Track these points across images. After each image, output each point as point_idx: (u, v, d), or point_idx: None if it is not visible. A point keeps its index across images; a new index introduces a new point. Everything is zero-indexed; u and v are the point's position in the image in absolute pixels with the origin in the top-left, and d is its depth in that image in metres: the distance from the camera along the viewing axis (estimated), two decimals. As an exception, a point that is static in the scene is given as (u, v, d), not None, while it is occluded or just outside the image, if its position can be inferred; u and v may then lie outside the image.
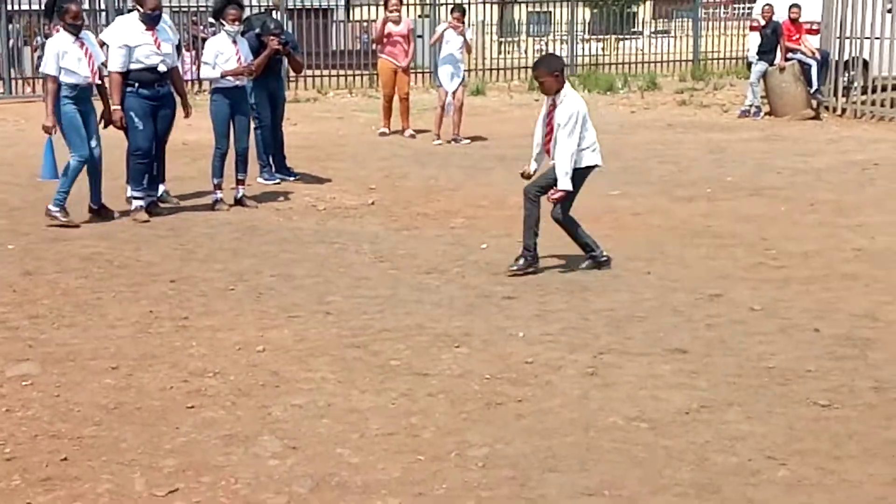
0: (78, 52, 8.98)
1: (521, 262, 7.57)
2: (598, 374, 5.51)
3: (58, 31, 9.32)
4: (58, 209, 9.10)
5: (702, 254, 8.20)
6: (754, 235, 8.76)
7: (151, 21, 9.43)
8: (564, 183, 7.44)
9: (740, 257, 8.07)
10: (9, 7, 22.04)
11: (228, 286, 7.28)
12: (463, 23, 14.90)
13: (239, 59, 9.92)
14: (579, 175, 7.56)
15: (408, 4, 23.94)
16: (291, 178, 11.57)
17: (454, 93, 14.73)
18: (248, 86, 10.75)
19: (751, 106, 17.35)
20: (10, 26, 22.24)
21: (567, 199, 7.58)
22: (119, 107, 9.28)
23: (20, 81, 21.99)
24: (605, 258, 7.74)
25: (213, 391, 5.28)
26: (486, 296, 7.05)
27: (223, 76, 9.89)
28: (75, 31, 9.06)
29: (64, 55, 8.93)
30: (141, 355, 5.80)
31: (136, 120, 9.35)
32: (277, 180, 11.41)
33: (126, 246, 8.45)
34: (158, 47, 9.42)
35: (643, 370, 5.56)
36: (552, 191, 7.52)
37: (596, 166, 7.71)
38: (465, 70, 15.39)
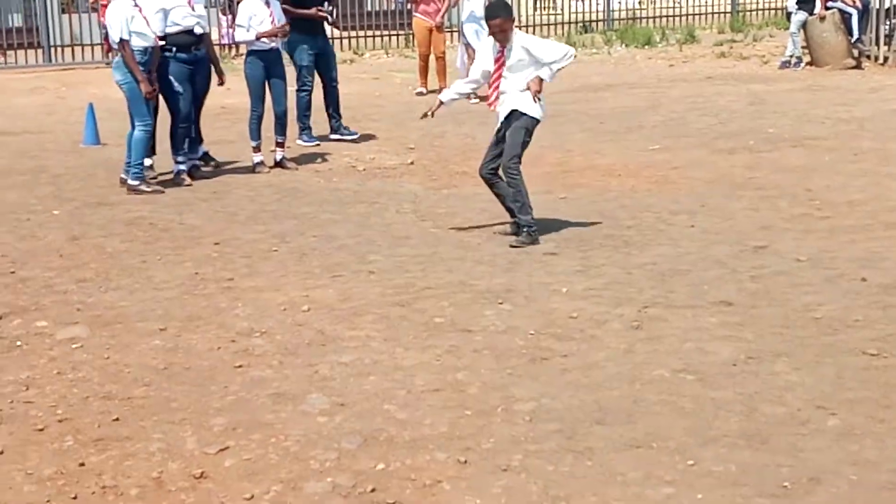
0: (140, 16, 8.97)
1: (524, 234, 7.27)
2: (643, 327, 5.50)
3: None
4: (138, 181, 9.10)
5: (745, 205, 8.13)
6: (798, 186, 8.67)
7: None
8: (545, 73, 7.26)
9: (784, 208, 8.01)
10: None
11: (271, 248, 7.32)
12: None
13: (273, 20, 9.89)
14: (533, 125, 7.33)
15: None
16: (351, 137, 11.53)
17: None
18: (286, 47, 10.76)
19: (791, 56, 17.11)
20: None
21: (525, 144, 7.33)
22: (149, 81, 9.18)
23: (60, 49, 22.11)
24: (536, 232, 7.27)
25: (260, 351, 5.32)
26: (527, 252, 7.05)
27: (258, 38, 9.88)
28: None
29: (132, 19, 8.91)
30: (188, 316, 5.86)
31: (175, 85, 9.37)
32: (317, 142, 11.38)
33: (169, 210, 8.51)
34: (192, 9, 9.44)
35: (688, 323, 5.55)
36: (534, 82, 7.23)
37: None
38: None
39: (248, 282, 6.52)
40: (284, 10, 10.42)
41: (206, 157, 10.10)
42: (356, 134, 11.69)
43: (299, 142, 11.28)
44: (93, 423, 4.51)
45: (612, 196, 8.63)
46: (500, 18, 7.29)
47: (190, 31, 9.41)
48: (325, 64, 11.62)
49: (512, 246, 7.19)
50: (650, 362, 5.03)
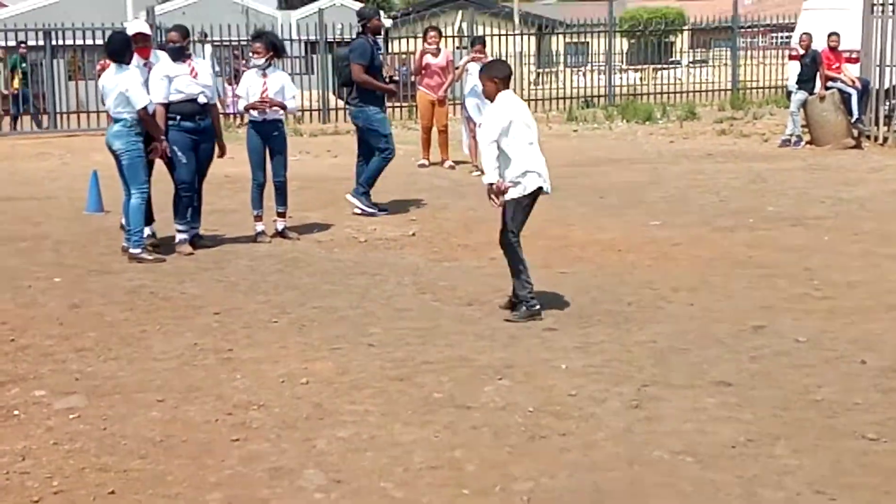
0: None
1: (523, 309, 7.26)
2: (643, 406, 5.49)
3: (106, 66, 9.46)
4: (140, 250, 9.16)
5: (745, 284, 8.15)
6: (797, 266, 8.70)
7: (174, 54, 9.53)
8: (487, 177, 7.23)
9: (784, 288, 8.02)
10: (54, 42, 22.42)
11: (272, 318, 7.33)
12: (484, 53, 14.98)
13: (264, 91, 9.96)
14: (526, 200, 7.33)
15: (446, 36, 24.10)
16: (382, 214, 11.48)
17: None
18: (377, 115, 11.20)
19: (791, 135, 17.26)
20: (55, 61, 22.62)
21: (514, 220, 7.32)
22: (164, 139, 9.34)
23: (66, 115, 22.30)
24: (537, 308, 7.25)
25: (257, 424, 5.31)
26: (527, 327, 7.05)
27: (246, 109, 10.00)
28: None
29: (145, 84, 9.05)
30: (186, 387, 5.85)
31: (178, 153, 9.44)
32: (376, 211, 11.39)
33: (170, 278, 8.53)
34: (195, 77, 9.53)
35: (688, 403, 5.53)
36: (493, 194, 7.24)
37: (540, 190, 7.37)
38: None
39: (248, 353, 6.51)
40: (364, 82, 11.04)
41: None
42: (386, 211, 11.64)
43: (352, 199, 11.35)
44: (88, 496, 4.48)
45: (612, 271, 8.65)
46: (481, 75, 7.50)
47: (194, 100, 9.50)
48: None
49: (506, 320, 7.20)
50: (649, 443, 5.01)
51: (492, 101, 7.37)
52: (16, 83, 23.09)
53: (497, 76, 7.35)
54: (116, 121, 9.13)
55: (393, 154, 11.49)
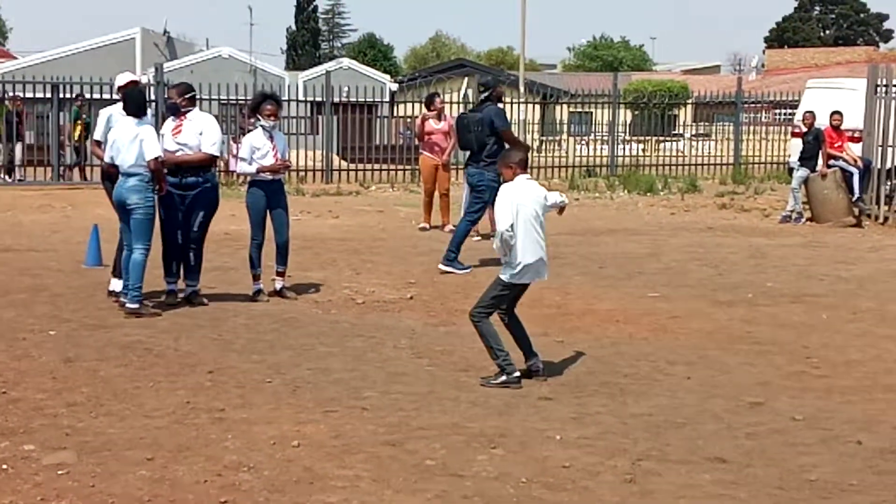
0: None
1: (502, 377, 7.23)
2: (637, 481, 5.43)
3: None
4: (137, 304, 9.16)
5: (742, 360, 8.12)
6: (795, 343, 8.67)
7: (172, 110, 9.63)
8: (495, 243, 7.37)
9: (781, 365, 7.99)
10: (61, 95, 22.59)
11: (265, 378, 7.29)
12: None
13: (275, 153, 10.02)
14: (512, 289, 7.40)
15: (451, 102, 24.30)
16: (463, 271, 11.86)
17: None
18: (492, 183, 11.37)
19: (792, 211, 17.32)
20: (61, 114, 22.77)
21: (491, 299, 7.38)
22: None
23: (69, 168, 22.41)
24: (515, 376, 7.21)
25: (246, 486, 5.25)
26: (522, 395, 7.01)
27: (258, 171, 10.00)
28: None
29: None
30: (177, 447, 5.79)
31: (159, 208, 9.46)
32: (468, 271, 11.81)
33: (165, 335, 8.50)
34: (176, 135, 9.58)
35: (682, 479, 5.48)
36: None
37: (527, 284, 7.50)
38: None
39: (240, 413, 6.47)
40: (513, 141, 11.93)
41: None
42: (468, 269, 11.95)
43: (446, 268, 11.71)
44: (72, 554, 4.41)
45: (609, 342, 8.62)
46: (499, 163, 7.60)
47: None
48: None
49: (482, 385, 7.20)
50: (642, 518, 4.95)
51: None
52: (76, 134, 23.20)
53: (512, 162, 7.48)
54: (132, 175, 9.14)
55: (479, 217, 12.38)
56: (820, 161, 17.03)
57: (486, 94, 12.45)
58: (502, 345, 7.32)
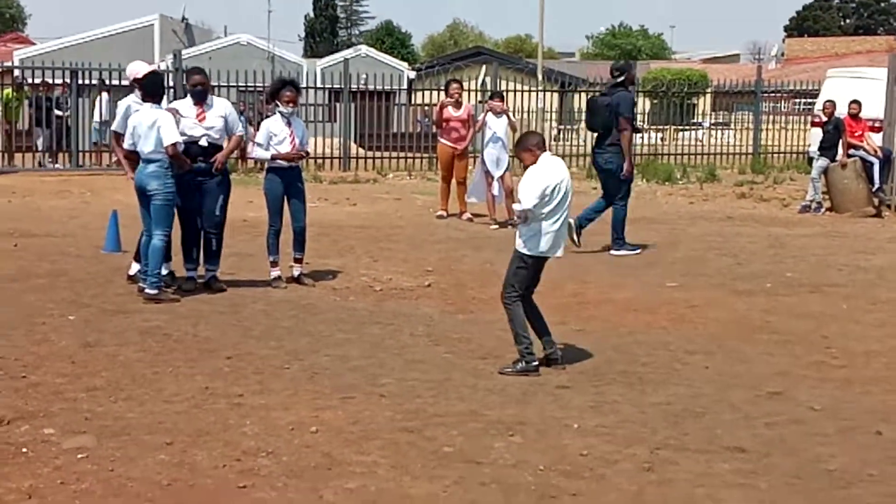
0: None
1: (520, 365, 7.25)
2: (655, 470, 5.42)
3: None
4: (156, 290, 9.19)
5: (761, 350, 8.09)
6: (814, 333, 8.63)
7: (196, 96, 9.63)
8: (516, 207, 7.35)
9: (800, 355, 7.96)
10: (80, 81, 22.65)
11: (284, 364, 7.30)
12: (502, 105, 15.12)
13: (293, 139, 10.02)
14: (530, 261, 7.39)
15: (469, 90, 24.25)
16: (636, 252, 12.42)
17: (501, 177, 14.78)
18: (609, 164, 12.18)
19: (811, 201, 17.24)
20: (80, 100, 22.82)
21: (515, 276, 7.39)
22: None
23: (88, 154, 22.48)
24: (534, 365, 7.24)
25: (265, 471, 5.26)
26: (540, 384, 7.00)
27: (274, 158, 10.00)
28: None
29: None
30: (195, 431, 5.81)
31: (177, 195, 9.48)
32: (639, 251, 12.45)
33: (184, 321, 8.53)
34: (201, 121, 9.58)
35: (701, 468, 5.47)
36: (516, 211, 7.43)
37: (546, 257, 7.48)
38: (509, 156, 15.47)
39: (258, 399, 6.48)
40: (623, 136, 12.29)
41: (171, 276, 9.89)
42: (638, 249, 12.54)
43: (619, 253, 12.29)
44: (92, 538, 4.44)
45: (627, 331, 8.60)
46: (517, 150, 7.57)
47: (196, 143, 9.54)
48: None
49: (500, 373, 7.20)
50: (660, 507, 4.94)
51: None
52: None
53: (530, 144, 7.44)
54: (152, 161, 9.17)
55: (627, 201, 12.68)
56: (840, 151, 16.95)
57: (619, 78, 12.65)
58: (528, 333, 7.31)
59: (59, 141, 22.89)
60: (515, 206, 7.38)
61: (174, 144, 9.08)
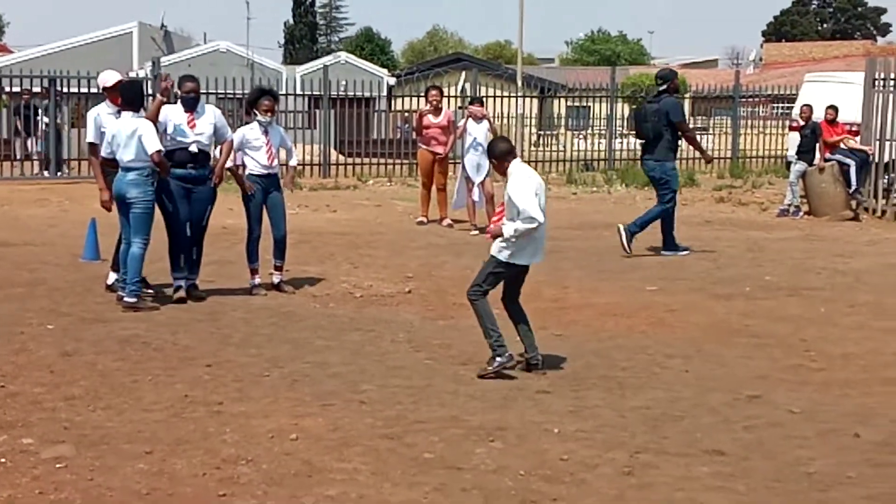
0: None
1: (495, 362, 7.29)
2: (635, 473, 5.44)
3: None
4: (136, 299, 9.16)
5: (739, 353, 8.12)
6: (793, 336, 8.67)
7: (187, 104, 9.61)
8: (507, 230, 7.27)
9: (779, 358, 7.99)
10: (58, 89, 22.55)
11: (263, 372, 7.29)
12: (483, 111, 15.14)
13: (269, 148, 10.01)
14: (507, 268, 7.42)
15: (449, 96, 24.27)
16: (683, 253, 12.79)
17: (482, 183, 14.80)
18: (673, 171, 12.88)
19: (790, 205, 17.32)
20: (58, 109, 22.72)
21: (487, 278, 7.43)
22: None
23: (66, 162, 22.36)
24: (507, 355, 7.25)
25: (245, 479, 5.25)
26: (520, 389, 7.01)
27: (235, 165, 10.06)
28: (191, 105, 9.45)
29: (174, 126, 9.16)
30: (175, 440, 5.79)
31: (166, 202, 9.45)
32: (687, 251, 12.84)
33: (163, 329, 8.50)
34: (192, 128, 9.56)
35: (680, 471, 5.49)
36: (491, 226, 7.49)
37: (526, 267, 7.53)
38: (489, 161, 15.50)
39: (238, 406, 6.47)
40: (690, 139, 13.38)
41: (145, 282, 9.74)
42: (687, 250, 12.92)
43: (670, 253, 12.70)
44: (70, 547, 4.41)
45: (607, 336, 8.62)
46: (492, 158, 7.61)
47: (185, 149, 9.52)
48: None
49: (479, 376, 7.23)
50: (640, 511, 4.96)
51: (505, 173, 7.45)
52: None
53: (499, 153, 7.48)
54: (132, 169, 9.13)
55: (674, 206, 13.06)
56: (817, 155, 17.03)
57: (663, 86, 13.09)
58: (496, 326, 7.34)
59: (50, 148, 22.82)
60: (515, 227, 7.24)
61: (158, 152, 9.06)
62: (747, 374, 7.53)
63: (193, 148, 9.57)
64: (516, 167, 7.42)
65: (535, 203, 7.19)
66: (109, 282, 9.86)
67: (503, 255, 7.36)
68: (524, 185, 7.27)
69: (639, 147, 28.85)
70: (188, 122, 9.58)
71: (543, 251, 7.58)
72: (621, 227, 12.80)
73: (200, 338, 8.27)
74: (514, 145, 15.02)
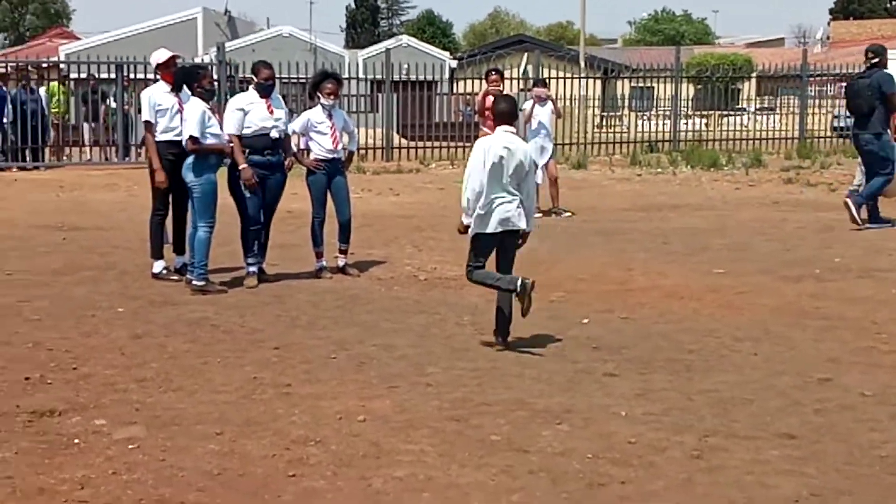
0: (215, 118, 9.29)
1: (516, 285, 7.41)
2: (704, 457, 5.39)
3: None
4: (203, 282, 9.27)
5: (809, 336, 8.01)
6: (864, 318, 8.53)
7: (265, 90, 9.67)
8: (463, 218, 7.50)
9: (849, 340, 7.87)
10: (126, 75, 22.83)
11: (330, 354, 7.34)
12: (548, 93, 15.13)
13: (333, 132, 10.05)
14: (486, 238, 7.50)
15: (511, 78, 24.17)
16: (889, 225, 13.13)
17: (545, 166, 14.74)
18: (890, 143, 12.96)
19: (859, 185, 16.97)
20: (126, 96, 23.02)
21: (473, 253, 7.55)
22: (246, 165, 9.45)
23: (135, 147, 22.66)
24: (523, 285, 7.34)
25: (314, 460, 5.29)
26: (587, 372, 6.98)
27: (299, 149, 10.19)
28: (208, 96, 9.43)
29: (209, 120, 9.19)
30: (244, 421, 5.86)
31: (243, 189, 9.52)
32: (892, 223, 13.21)
33: (232, 311, 8.59)
34: (271, 113, 9.63)
35: (750, 455, 5.43)
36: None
37: (509, 232, 7.53)
38: (553, 144, 15.41)
39: (306, 388, 6.52)
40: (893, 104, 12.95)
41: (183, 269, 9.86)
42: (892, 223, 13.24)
43: (876, 226, 13.06)
44: (144, 527, 4.48)
45: (674, 318, 8.55)
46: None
47: (266, 135, 9.59)
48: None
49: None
50: (710, 494, 4.92)
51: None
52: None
53: (497, 113, 7.58)
54: (188, 153, 9.24)
55: (893, 175, 13.16)
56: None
57: (875, 59, 13.37)
58: (498, 275, 7.52)
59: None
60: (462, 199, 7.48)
61: (191, 138, 9.10)
62: (817, 356, 7.42)
63: (274, 133, 9.64)
64: (487, 138, 7.57)
65: (474, 178, 7.33)
66: (154, 271, 9.93)
67: (474, 228, 7.47)
68: (472, 159, 7.42)
69: (704, 127, 28.59)
70: (267, 108, 9.65)
71: (519, 217, 7.51)
72: (849, 201, 13.12)
73: (268, 320, 8.34)
74: (519, 114, 15.09)
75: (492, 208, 7.39)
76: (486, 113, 15.30)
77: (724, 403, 6.30)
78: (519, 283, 7.37)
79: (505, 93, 15.04)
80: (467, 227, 7.52)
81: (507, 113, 7.56)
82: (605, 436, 5.70)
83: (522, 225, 7.55)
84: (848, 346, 7.70)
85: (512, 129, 7.53)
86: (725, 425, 5.89)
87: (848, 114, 14.56)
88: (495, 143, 7.41)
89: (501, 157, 7.35)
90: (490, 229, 7.45)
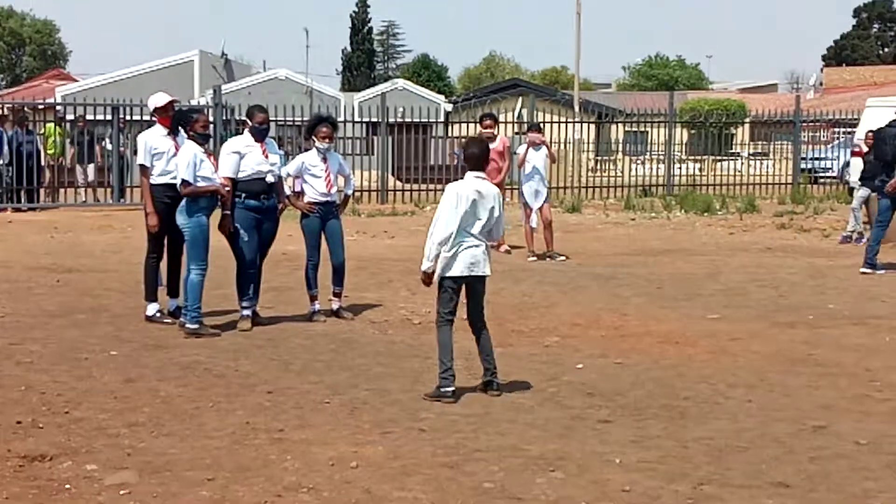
0: (209, 161, 9.28)
1: (436, 390, 7.38)
2: (698, 505, 5.37)
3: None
4: (196, 325, 9.26)
5: (803, 382, 8.00)
6: (858, 365, 8.53)
7: (260, 134, 9.71)
8: (424, 264, 7.47)
9: (844, 387, 7.86)
10: (121, 117, 22.91)
11: (324, 399, 7.31)
12: (542, 138, 15.19)
13: (328, 175, 10.08)
14: (450, 283, 7.50)
15: (506, 122, 24.31)
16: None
17: (540, 209, 14.79)
18: None
19: (853, 232, 17.08)
20: (122, 138, 23.08)
21: (440, 301, 7.53)
22: (229, 213, 9.46)
23: (130, 189, 22.70)
24: (449, 391, 7.31)
25: (306, 507, 5.26)
26: (581, 418, 6.96)
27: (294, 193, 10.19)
28: (202, 139, 9.40)
29: (200, 163, 9.18)
30: (237, 467, 5.82)
31: (241, 231, 9.54)
32: (883, 270, 13.49)
33: (225, 355, 8.57)
34: (267, 158, 9.66)
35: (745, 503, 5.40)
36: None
37: (475, 278, 7.55)
38: (547, 188, 15.43)
39: (299, 434, 6.49)
40: None
41: (177, 312, 9.86)
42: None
43: (867, 270, 13.31)
44: (134, 574, 4.44)
45: (668, 364, 8.54)
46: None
47: (262, 179, 9.61)
48: None
49: (424, 397, 7.34)
50: (704, 544, 4.89)
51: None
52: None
53: (466, 157, 7.63)
54: (181, 197, 9.27)
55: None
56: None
57: None
58: (449, 358, 7.41)
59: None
60: (427, 244, 7.46)
61: (184, 182, 9.12)
62: (812, 403, 7.41)
63: (270, 178, 9.67)
64: (458, 182, 7.55)
65: (446, 221, 7.33)
66: (147, 313, 9.91)
67: (439, 272, 7.45)
68: (444, 202, 7.43)
69: (698, 172, 28.65)
70: (262, 153, 9.68)
71: (486, 263, 7.56)
72: (863, 270, 13.46)
73: (261, 364, 8.32)
74: (506, 162, 15.16)
75: (458, 251, 7.41)
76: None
77: (719, 451, 6.27)
78: (497, 382, 7.48)
79: (487, 136, 15.13)
80: (430, 275, 7.48)
81: (476, 157, 7.59)
82: (600, 483, 5.67)
83: (488, 271, 7.61)
84: (842, 394, 7.69)
85: (482, 174, 7.58)
86: (720, 473, 5.87)
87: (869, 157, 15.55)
88: (467, 187, 7.45)
89: (474, 201, 7.40)
90: (456, 272, 7.46)
